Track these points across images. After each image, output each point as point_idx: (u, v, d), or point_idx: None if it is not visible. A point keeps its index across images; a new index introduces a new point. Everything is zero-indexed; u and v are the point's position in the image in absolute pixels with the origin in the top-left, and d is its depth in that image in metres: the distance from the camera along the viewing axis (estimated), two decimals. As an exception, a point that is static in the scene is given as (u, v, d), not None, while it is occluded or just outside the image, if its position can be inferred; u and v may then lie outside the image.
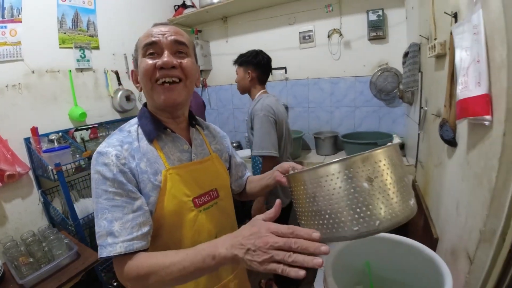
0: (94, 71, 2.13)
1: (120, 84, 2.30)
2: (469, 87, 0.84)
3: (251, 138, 1.81)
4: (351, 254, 1.01)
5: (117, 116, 2.33)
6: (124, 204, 0.70)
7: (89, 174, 1.97)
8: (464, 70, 0.87)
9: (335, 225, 0.59)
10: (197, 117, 0.98)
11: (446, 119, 1.08)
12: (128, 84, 2.36)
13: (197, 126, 0.95)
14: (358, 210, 0.58)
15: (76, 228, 1.67)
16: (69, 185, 1.83)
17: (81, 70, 2.05)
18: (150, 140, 0.80)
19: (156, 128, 0.81)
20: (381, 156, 0.60)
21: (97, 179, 0.72)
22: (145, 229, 0.72)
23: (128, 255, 0.67)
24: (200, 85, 3.12)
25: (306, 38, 2.54)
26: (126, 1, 2.36)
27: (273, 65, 2.74)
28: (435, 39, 1.27)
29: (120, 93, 2.25)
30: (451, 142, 1.06)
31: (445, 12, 1.01)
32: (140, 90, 0.84)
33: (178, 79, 0.78)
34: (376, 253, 1.05)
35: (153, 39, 0.77)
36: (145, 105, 0.89)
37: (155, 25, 0.83)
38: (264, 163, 1.73)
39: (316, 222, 0.62)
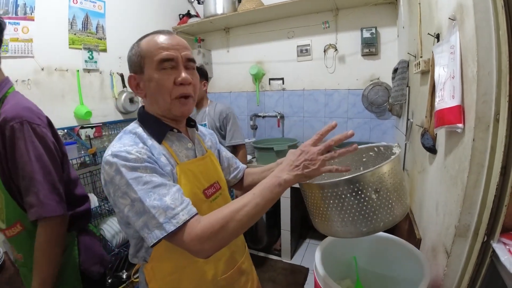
0: (100, 72, 2.21)
1: (124, 86, 2.38)
2: (445, 99, 0.95)
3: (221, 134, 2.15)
4: (338, 250, 1.10)
5: (120, 117, 2.40)
6: (164, 182, 0.74)
7: (93, 171, 2.04)
8: (441, 84, 0.99)
9: (346, 225, 0.75)
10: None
11: (427, 128, 1.19)
12: None
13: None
14: (366, 215, 0.72)
15: None
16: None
17: (88, 70, 2.13)
18: (160, 141, 0.85)
19: (163, 129, 0.87)
20: (385, 169, 0.73)
21: (124, 173, 0.72)
22: (188, 198, 0.77)
23: (191, 221, 0.71)
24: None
25: (303, 51, 2.67)
26: (134, 7, 2.46)
27: (271, 75, 2.89)
28: (421, 57, 1.39)
29: (124, 95, 2.33)
30: (431, 149, 1.17)
31: (428, 33, 1.13)
32: (144, 97, 0.87)
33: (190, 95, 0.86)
34: (363, 248, 1.14)
35: (170, 54, 0.81)
36: (143, 108, 0.92)
37: (159, 33, 0.85)
38: (240, 151, 2.12)
39: (328, 222, 0.77)
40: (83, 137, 2.00)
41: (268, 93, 2.94)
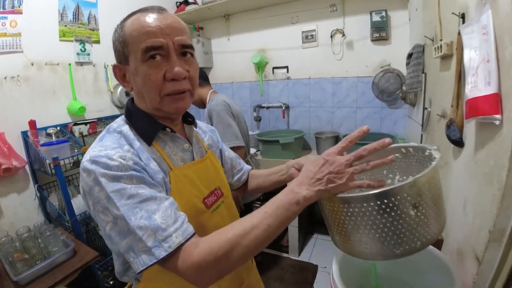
0: (94, 65, 2.11)
1: (120, 79, 2.29)
2: (478, 86, 0.83)
3: None
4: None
5: (116, 112, 2.30)
6: (154, 194, 0.61)
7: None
8: (473, 69, 0.87)
9: (375, 246, 0.61)
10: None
11: (453, 119, 1.07)
12: None
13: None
14: (402, 235, 0.59)
15: (73, 225, 1.64)
16: (66, 180, 1.80)
17: (81, 63, 2.03)
18: (150, 142, 0.71)
19: (154, 128, 0.73)
20: (425, 179, 0.60)
21: (104, 184, 0.59)
22: (183, 214, 0.64)
23: (187, 244, 0.59)
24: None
25: (308, 37, 2.53)
26: None
27: (275, 64, 2.77)
28: (441, 40, 1.27)
29: (120, 88, 2.23)
30: (458, 142, 1.05)
31: (452, 13, 1.01)
32: (131, 90, 0.74)
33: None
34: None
35: (158, 41, 0.65)
36: (131, 100, 0.79)
37: (146, 11, 0.69)
38: None
39: (352, 241, 0.64)
40: (76, 134, 1.90)
41: (272, 82, 2.82)
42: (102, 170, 0.60)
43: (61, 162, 1.62)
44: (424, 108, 1.62)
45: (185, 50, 0.70)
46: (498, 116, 0.75)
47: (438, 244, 1.15)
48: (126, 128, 0.72)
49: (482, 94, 0.81)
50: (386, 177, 0.89)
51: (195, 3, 2.83)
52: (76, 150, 1.75)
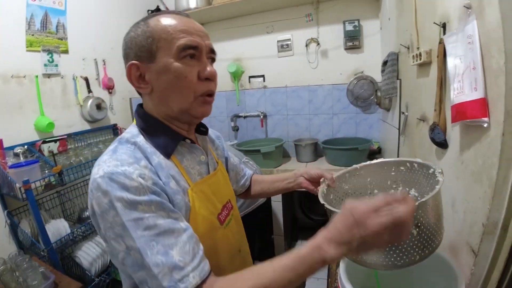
0: (62, 77, 1.99)
1: (90, 91, 2.16)
2: (465, 92, 0.90)
3: None
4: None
5: (87, 126, 2.17)
6: (172, 226, 0.58)
7: (60, 191, 1.81)
8: (458, 76, 0.94)
9: (378, 258, 0.64)
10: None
11: (437, 122, 1.15)
12: (99, 91, 2.24)
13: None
14: (403, 250, 0.62)
15: (49, 254, 1.51)
16: (37, 204, 1.67)
17: (48, 75, 1.90)
18: (169, 155, 0.68)
19: (174, 140, 0.70)
20: (431, 201, 0.64)
21: (120, 210, 0.55)
22: (201, 246, 0.62)
23: (204, 285, 0.56)
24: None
25: (284, 46, 2.59)
26: (97, 3, 2.25)
27: (251, 73, 2.79)
28: (418, 48, 1.35)
29: (90, 101, 2.12)
30: (443, 144, 1.12)
31: (434, 23, 1.08)
32: (149, 93, 0.69)
33: None
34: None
35: (195, 41, 0.64)
36: (141, 106, 0.75)
37: (174, 13, 0.68)
38: None
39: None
40: (45, 153, 1.77)
41: (249, 91, 2.83)
42: (118, 194, 0.55)
43: (32, 185, 1.49)
44: (402, 113, 1.71)
45: (212, 55, 0.71)
46: (486, 119, 0.81)
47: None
48: (141, 139, 0.67)
49: (469, 99, 0.87)
50: (390, 187, 0.92)
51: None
52: (47, 171, 1.61)
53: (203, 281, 0.56)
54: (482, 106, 0.83)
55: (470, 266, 0.86)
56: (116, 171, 0.57)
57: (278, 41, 2.60)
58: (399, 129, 1.80)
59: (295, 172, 0.96)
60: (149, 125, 0.70)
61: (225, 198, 0.81)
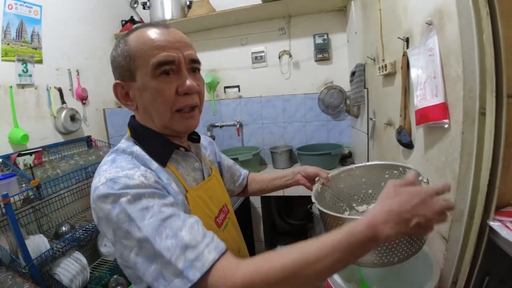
0: (36, 88, 1.92)
1: (63, 102, 2.10)
2: (427, 98, 1.03)
3: None
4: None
5: (60, 139, 2.09)
6: (177, 212, 0.58)
7: (36, 205, 1.73)
8: (421, 84, 1.07)
9: (370, 259, 0.66)
10: None
11: (403, 126, 1.28)
12: (72, 102, 2.18)
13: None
14: (393, 250, 0.64)
15: (31, 270, 1.42)
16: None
17: (22, 86, 1.83)
18: (164, 163, 0.69)
19: (169, 149, 0.71)
20: None
21: (124, 205, 0.55)
22: (211, 231, 0.59)
23: (223, 262, 0.53)
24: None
25: (258, 58, 2.69)
26: (72, 12, 2.20)
27: (226, 83, 2.86)
28: (383, 60, 1.50)
29: (64, 112, 2.05)
30: (409, 145, 1.25)
31: (398, 37, 1.22)
32: (135, 109, 0.71)
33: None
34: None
35: (170, 56, 0.64)
36: (133, 118, 0.76)
37: (152, 26, 0.68)
38: None
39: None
40: (21, 166, 1.70)
41: (224, 101, 2.89)
42: (121, 190, 0.56)
43: (11, 200, 1.42)
44: (370, 119, 1.85)
45: (194, 65, 0.70)
46: (446, 120, 0.94)
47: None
48: (137, 149, 0.69)
49: (431, 104, 1.00)
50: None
51: (141, 21, 2.80)
52: (24, 185, 1.54)
53: (221, 255, 0.54)
54: (442, 109, 0.95)
55: (442, 252, 0.97)
56: (117, 176, 0.58)
57: (252, 53, 2.70)
58: (368, 134, 1.94)
59: (293, 170, 1.02)
60: (143, 135, 0.72)
61: (221, 202, 0.83)
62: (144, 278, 0.55)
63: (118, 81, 0.70)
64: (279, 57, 2.63)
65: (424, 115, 1.04)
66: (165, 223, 0.55)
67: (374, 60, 1.70)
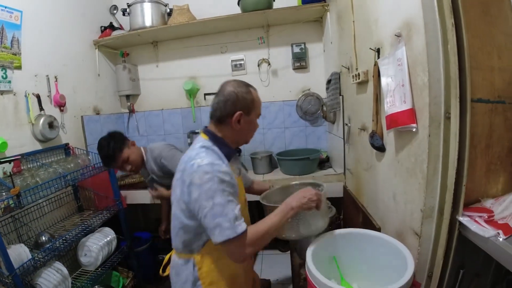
0: (14, 94, 1.86)
1: (41, 109, 2.04)
2: (396, 104, 1.11)
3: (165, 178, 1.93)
4: (320, 252, 1.15)
5: (38, 146, 2.01)
6: (234, 199, 1.02)
7: (15, 214, 1.68)
8: (390, 92, 1.16)
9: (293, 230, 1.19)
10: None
11: (375, 130, 1.37)
12: (50, 109, 2.12)
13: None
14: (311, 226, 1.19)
15: (14, 280, 1.36)
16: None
17: (1, 92, 1.77)
18: (229, 159, 1.13)
19: (233, 152, 1.18)
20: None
21: (216, 182, 0.98)
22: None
23: (245, 232, 0.99)
24: (128, 111, 3.00)
25: (237, 66, 2.75)
26: (52, 18, 2.15)
27: (206, 90, 2.89)
28: (357, 69, 1.59)
29: (42, 119, 1.99)
30: (381, 148, 1.34)
31: (370, 48, 1.31)
32: (238, 129, 1.13)
33: None
34: (341, 248, 1.22)
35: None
36: (207, 128, 1.19)
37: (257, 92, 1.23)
38: None
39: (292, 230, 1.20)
40: (0, 174, 1.65)
41: (205, 108, 2.91)
42: (217, 174, 0.99)
43: None
44: (345, 124, 1.95)
45: None
46: (414, 125, 1.03)
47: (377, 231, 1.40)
48: (216, 149, 1.11)
49: (399, 110, 1.09)
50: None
51: (120, 28, 2.78)
52: (4, 194, 1.48)
53: (245, 230, 0.99)
54: (410, 115, 1.04)
55: (416, 247, 1.05)
56: (214, 163, 1.02)
57: (232, 61, 2.76)
58: (343, 138, 2.03)
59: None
60: (220, 142, 1.14)
61: (244, 191, 1.31)
62: (207, 226, 0.99)
63: (240, 112, 1.11)
64: (258, 65, 2.70)
65: (394, 120, 1.12)
66: (230, 203, 0.99)
67: (348, 69, 1.80)
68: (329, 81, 2.16)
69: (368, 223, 1.50)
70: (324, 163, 2.51)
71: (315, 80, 2.63)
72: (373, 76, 1.34)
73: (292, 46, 2.55)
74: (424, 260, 1.02)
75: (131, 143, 1.92)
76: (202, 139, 1.14)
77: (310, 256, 1.09)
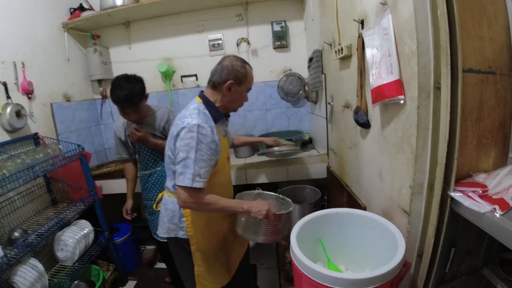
0: (-19, 82, 1.70)
1: (8, 97, 1.87)
2: (382, 76, 1.06)
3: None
4: (305, 235, 1.10)
5: (7, 137, 1.85)
6: (207, 159, 1.20)
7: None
8: (376, 63, 1.10)
9: (239, 227, 1.37)
10: None
11: (359, 106, 1.31)
12: (18, 97, 1.94)
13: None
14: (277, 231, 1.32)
15: None
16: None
17: (-33, 82, 1.61)
18: (216, 122, 1.29)
19: (221, 115, 1.33)
20: (283, 215, 1.33)
21: (196, 139, 1.16)
22: (207, 176, 1.22)
23: (202, 189, 1.18)
24: (100, 96, 2.83)
25: (215, 46, 2.62)
26: (17, 1, 1.98)
27: (183, 72, 2.76)
28: (339, 44, 1.53)
29: (9, 108, 1.81)
30: (365, 124, 1.29)
31: (354, 19, 1.24)
32: (227, 96, 1.30)
33: None
34: (326, 229, 1.18)
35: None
36: (202, 93, 1.34)
37: (251, 67, 1.38)
38: None
39: (239, 227, 1.37)
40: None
41: (182, 91, 2.79)
42: (199, 136, 1.17)
43: None
44: (328, 103, 1.89)
45: None
46: (402, 96, 0.97)
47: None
48: (207, 112, 1.27)
49: (386, 81, 1.03)
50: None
51: (91, 9, 2.58)
52: None
53: (202, 188, 1.18)
54: (397, 86, 0.99)
55: (405, 226, 1.01)
56: (201, 125, 1.18)
57: (209, 40, 2.63)
58: (326, 118, 1.98)
59: (261, 139, 2.03)
60: (211, 106, 1.29)
61: (228, 149, 1.51)
62: (176, 170, 1.20)
63: (232, 81, 1.27)
64: (237, 45, 2.59)
65: (380, 93, 1.07)
66: (201, 161, 1.18)
67: (330, 45, 1.73)
68: (310, 59, 2.08)
69: (353, 203, 1.47)
70: (307, 144, 2.46)
71: (297, 59, 2.56)
72: (357, 49, 1.28)
73: (272, 24, 2.45)
74: (414, 238, 0.99)
75: (147, 96, 1.76)
76: (196, 102, 1.31)
77: (295, 238, 1.04)
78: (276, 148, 1.99)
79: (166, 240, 1.47)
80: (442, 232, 0.94)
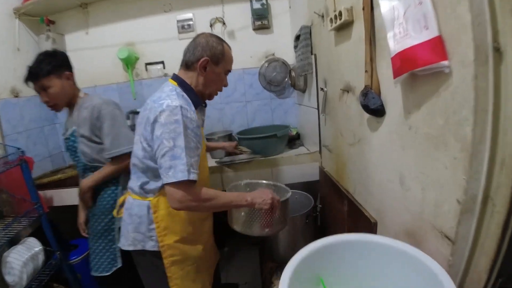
0: None
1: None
2: (410, 34, 0.71)
3: (91, 146, 1.46)
4: (300, 272, 0.75)
5: None
6: (194, 148, 1.02)
7: None
8: (399, 19, 0.75)
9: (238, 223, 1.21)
10: None
11: (369, 85, 0.97)
12: None
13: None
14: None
15: None
16: None
17: None
18: (196, 108, 1.10)
19: (199, 102, 1.15)
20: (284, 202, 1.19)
21: (182, 124, 0.97)
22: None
23: (196, 182, 1.00)
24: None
25: (185, 27, 2.24)
26: None
27: (148, 59, 2.36)
28: (335, 10, 1.18)
29: None
30: (378, 111, 0.95)
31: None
32: (202, 76, 1.12)
33: None
34: (332, 264, 0.82)
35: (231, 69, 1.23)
36: (176, 76, 1.14)
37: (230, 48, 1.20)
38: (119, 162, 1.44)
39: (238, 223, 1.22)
40: None
41: (146, 81, 2.39)
42: (184, 119, 0.98)
43: None
44: (320, 89, 1.55)
45: None
46: (446, 62, 0.63)
47: (371, 227, 1.02)
48: (185, 96, 1.09)
49: (418, 41, 0.68)
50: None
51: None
52: None
53: (195, 180, 0.99)
54: (437, 46, 0.64)
55: (445, 257, 0.67)
56: (183, 106, 1.00)
57: (178, 21, 2.24)
58: (318, 108, 1.64)
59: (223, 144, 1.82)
60: (189, 90, 1.12)
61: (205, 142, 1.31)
62: (162, 165, 0.98)
63: (207, 58, 1.10)
64: (211, 26, 2.22)
65: (409, 59, 0.72)
66: (191, 149, 1.00)
67: (322, 16, 1.39)
68: (297, 37, 1.73)
69: (357, 215, 1.13)
70: (294, 141, 2.11)
71: (281, 42, 2.20)
72: (363, 9, 0.93)
73: (251, 1, 2.08)
74: (456, 273, 0.65)
75: (67, 75, 1.46)
76: (170, 84, 1.11)
77: (287, 280, 0.68)
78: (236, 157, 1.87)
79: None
80: (496, 264, 0.61)
